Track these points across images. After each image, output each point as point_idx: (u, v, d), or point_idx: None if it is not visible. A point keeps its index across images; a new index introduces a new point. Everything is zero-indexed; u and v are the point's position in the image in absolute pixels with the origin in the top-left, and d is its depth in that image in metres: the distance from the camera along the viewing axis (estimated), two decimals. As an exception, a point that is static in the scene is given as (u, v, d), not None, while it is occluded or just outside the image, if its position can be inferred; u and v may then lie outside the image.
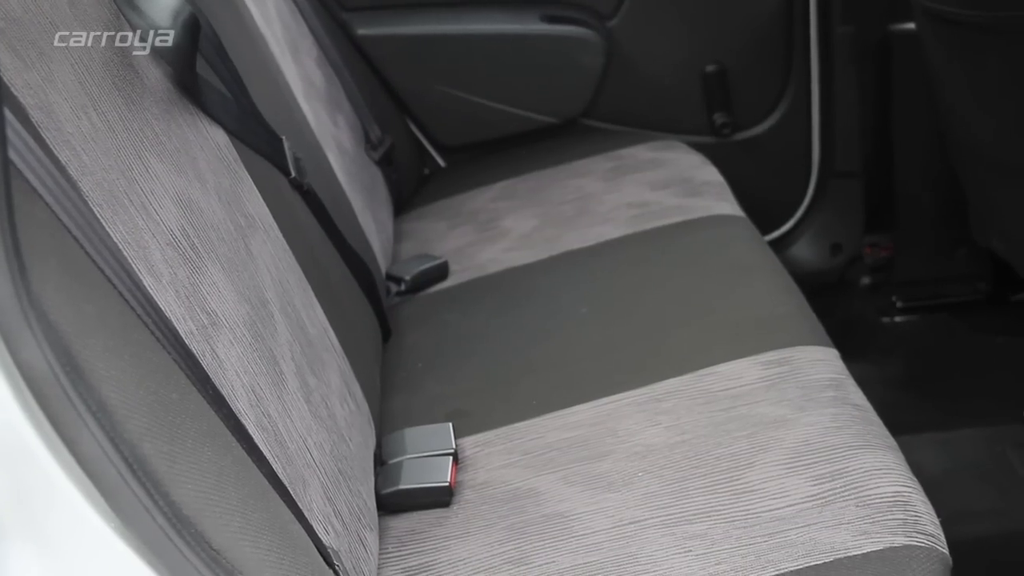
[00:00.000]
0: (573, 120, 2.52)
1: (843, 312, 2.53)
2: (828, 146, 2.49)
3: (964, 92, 2.05)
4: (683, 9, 2.43)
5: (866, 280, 2.55)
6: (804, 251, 2.55)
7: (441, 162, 2.55)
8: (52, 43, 1.07)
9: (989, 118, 2.00)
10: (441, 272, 2.01)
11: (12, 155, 0.88)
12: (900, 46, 2.35)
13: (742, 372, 1.51)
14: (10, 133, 0.88)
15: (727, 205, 2.05)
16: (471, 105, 2.48)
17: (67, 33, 1.10)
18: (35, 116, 0.98)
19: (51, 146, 0.98)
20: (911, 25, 2.25)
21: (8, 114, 0.89)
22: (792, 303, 1.71)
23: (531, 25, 2.46)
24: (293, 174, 1.56)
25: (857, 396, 1.46)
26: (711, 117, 2.50)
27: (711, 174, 2.19)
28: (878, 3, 2.34)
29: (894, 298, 2.54)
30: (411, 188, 2.40)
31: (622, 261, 1.90)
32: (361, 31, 2.40)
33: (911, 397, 2.27)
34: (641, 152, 2.31)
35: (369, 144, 2.21)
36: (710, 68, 2.46)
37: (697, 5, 2.43)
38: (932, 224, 2.49)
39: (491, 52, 2.46)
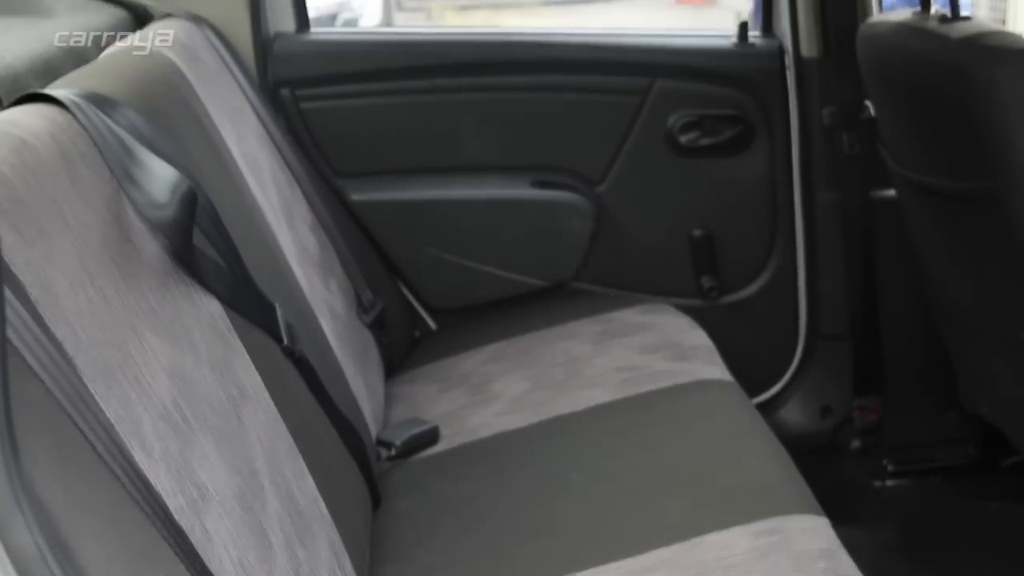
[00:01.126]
0: (563, 283, 2.55)
1: (834, 476, 2.52)
2: (814, 309, 2.52)
3: (946, 260, 2.08)
4: (669, 176, 2.49)
5: (856, 443, 2.55)
6: (793, 414, 2.55)
7: (432, 324, 2.56)
8: (53, 220, 1.09)
9: (972, 286, 2.03)
10: (431, 437, 2.00)
11: (10, 334, 0.89)
12: (882, 213, 2.40)
13: (733, 542, 1.50)
14: (9, 312, 0.90)
15: (716, 369, 2.06)
16: (462, 269, 2.52)
17: (68, 209, 1.13)
18: (34, 293, 0.99)
19: (48, 323, 0.99)
20: (892, 192, 2.31)
21: (8, 294, 0.91)
22: (782, 470, 1.71)
23: (521, 190, 2.51)
24: (285, 342, 1.57)
25: (849, 567, 1.45)
26: (699, 281, 2.53)
27: (699, 338, 2.21)
28: (859, 171, 2.39)
29: (885, 462, 2.53)
30: (402, 351, 2.41)
31: (612, 427, 1.91)
32: (354, 197, 2.44)
33: (904, 564, 2.25)
34: (630, 315, 2.33)
35: (361, 308, 2.23)
36: (697, 233, 2.51)
37: (683, 172, 2.49)
38: (920, 387, 2.51)
39: (482, 217, 2.51)
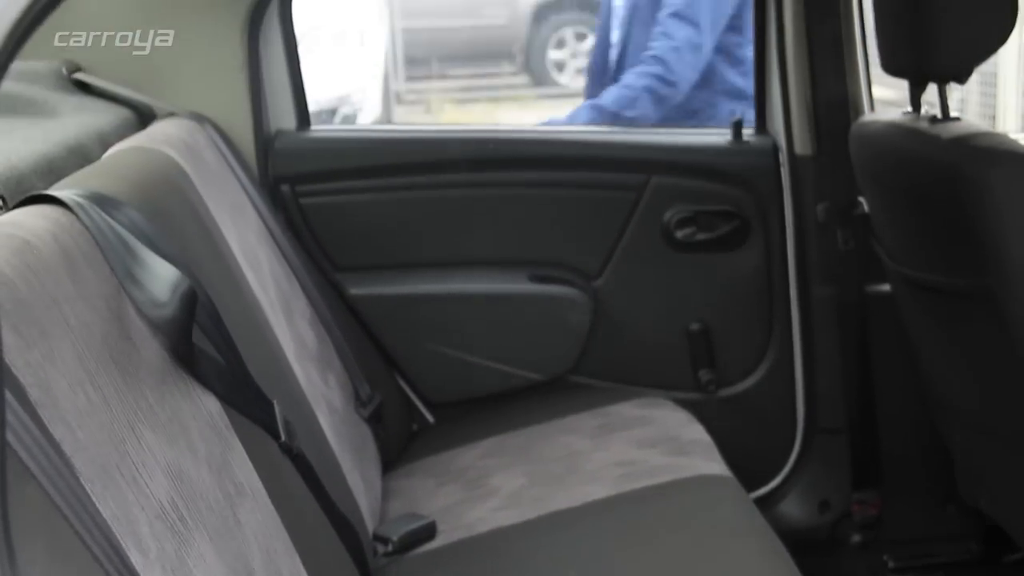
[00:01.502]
0: (561, 377, 2.56)
1: (833, 572, 2.50)
2: (812, 403, 2.52)
3: (943, 355, 2.09)
4: (666, 270, 2.51)
5: (856, 538, 2.53)
6: (792, 508, 2.54)
7: (430, 418, 2.56)
8: (54, 321, 1.10)
9: (970, 382, 2.03)
10: (429, 532, 1.99)
11: (9, 436, 0.90)
12: (878, 307, 2.41)
13: (732, 642, 1.49)
14: (9, 414, 0.90)
15: (714, 465, 2.06)
16: (460, 362, 2.52)
17: (69, 309, 1.14)
18: (33, 395, 1.00)
19: (47, 424, 1.00)
20: (887, 287, 2.32)
21: (8, 396, 0.92)
22: (781, 567, 1.70)
23: (519, 285, 2.53)
24: (283, 438, 1.57)
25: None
26: (696, 374, 2.54)
27: (697, 432, 2.21)
28: (854, 266, 2.41)
29: (885, 557, 2.51)
30: (399, 445, 2.41)
31: (610, 523, 1.90)
32: (353, 291, 2.46)
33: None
34: (628, 409, 2.34)
35: (359, 401, 2.23)
36: (694, 327, 2.52)
37: (679, 267, 2.51)
38: (919, 481, 2.50)
39: (480, 311, 2.52)
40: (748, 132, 2.51)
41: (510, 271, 2.54)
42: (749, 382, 2.54)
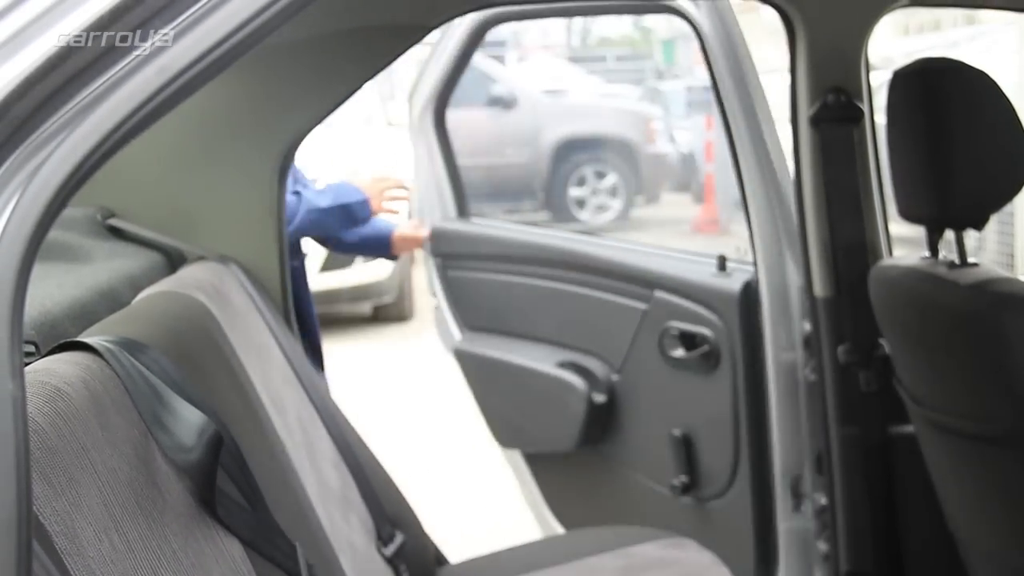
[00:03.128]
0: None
1: None
2: (837, 546, 2.49)
3: (970, 498, 2.07)
4: (657, 375, 2.86)
5: None
6: (822, 653, 2.50)
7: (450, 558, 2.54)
8: (83, 468, 1.11)
9: (997, 525, 2.01)
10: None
11: (35, 586, 0.91)
12: (902, 448, 2.40)
13: None
14: (35, 566, 0.91)
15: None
16: None
17: (97, 456, 1.15)
18: (59, 543, 1.01)
19: (73, 573, 1.00)
20: (911, 428, 2.32)
21: (35, 546, 0.92)
22: None
23: (549, 366, 3.04)
24: (306, 583, 1.56)
25: None
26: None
27: (722, 574, 2.19)
28: (876, 408, 2.41)
29: None
30: (423, 585, 2.39)
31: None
32: None
33: None
34: (651, 550, 2.31)
35: (380, 540, 2.22)
36: (676, 432, 2.80)
37: (666, 375, 2.82)
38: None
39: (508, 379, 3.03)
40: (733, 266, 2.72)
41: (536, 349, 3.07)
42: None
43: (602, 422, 2.94)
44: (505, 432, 3.22)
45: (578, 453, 3.01)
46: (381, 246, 3.09)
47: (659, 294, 2.79)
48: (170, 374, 1.40)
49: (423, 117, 3.33)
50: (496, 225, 3.40)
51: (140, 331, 1.46)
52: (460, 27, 3.12)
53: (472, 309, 3.27)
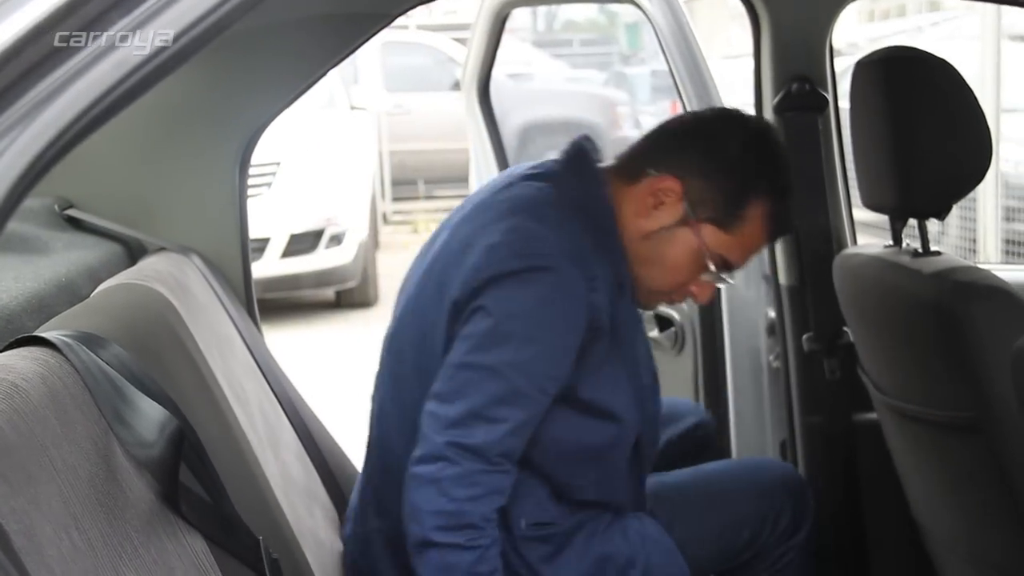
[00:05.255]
0: None
1: None
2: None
3: (932, 486, 2.09)
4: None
5: (846, 668, 2.50)
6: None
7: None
8: (41, 465, 1.10)
9: (959, 513, 2.03)
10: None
11: (-7, 587, 0.89)
12: (865, 436, 2.41)
13: None
14: None
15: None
16: None
17: (56, 453, 1.14)
18: (17, 542, 1.00)
19: (31, 573, 0.99)
20: (874, 416, 2.33)
21: (-7, 547, 0.91)
22: None
23: None
24: (268, 576, 1.56)
25: None
26: None
27: None
28: (841, 395, 2.42)
29: None
30: None
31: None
32: None
33: None
34: None
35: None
36: None
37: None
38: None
39: None
40: None
41: None
42: None
43: None
44: None
45: None
46: None
47: None
48: (130, 368, 1.38)
49: (470, 100, 3.40)
50: None
51: (99, 325, 1.44)
52: (481, 17, 3.20)
53: None
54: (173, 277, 1.81)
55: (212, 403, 1.65)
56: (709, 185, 1.74)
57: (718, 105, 2.57)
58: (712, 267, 1.77)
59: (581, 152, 1.80)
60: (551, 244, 1.64)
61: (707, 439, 2.26)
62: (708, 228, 1.75)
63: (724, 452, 2.68)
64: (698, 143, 1.78)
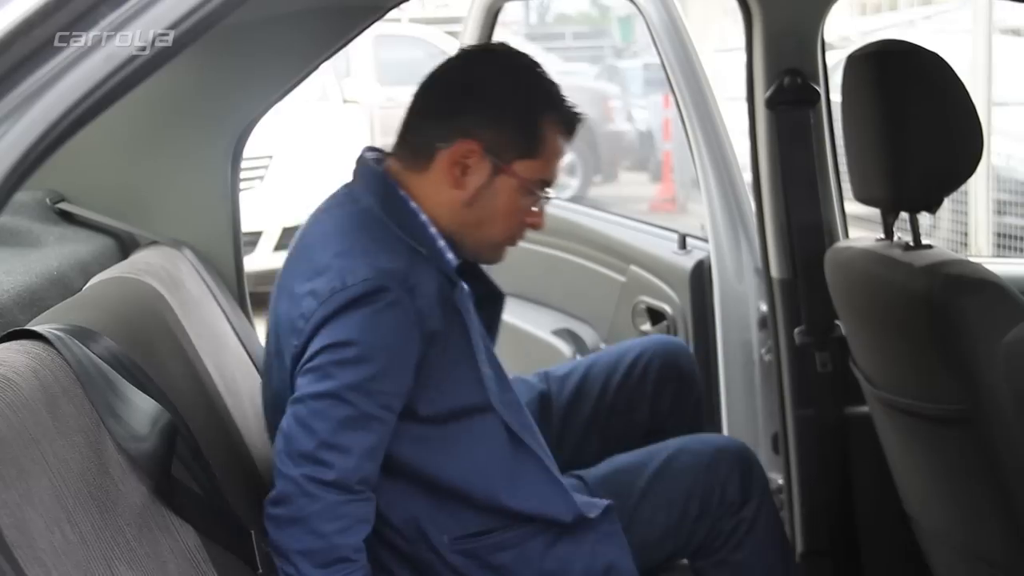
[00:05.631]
0: None
1: None
2: (794, 526, 2.51)
3: (923, 478, 2.09)
4: None
5: (840, 661, 2.51)
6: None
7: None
8: (33, 459, 1.10)
9: (950, 505, 2.03)
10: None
11: (-16, 581, 0.89)
12: (857, 429, 2.42)
13: None
14: None
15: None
16: None
17: (48, 447, 1.14)
18: (9, 536, 1.00)
19: (23, 566, 0.99)
20: (866, 408, 2.34)
21: (-15, 541, 0.91)
22: None
23: (542, 330, 3.21)
24: (260, 570, 1.56)
25: None
26: None
27: None
28: (832, 388, 2.42)
29: None
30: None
31: None
32: None
33: None
34: None
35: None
36: None
37: None
38: (901, 604, 2.48)
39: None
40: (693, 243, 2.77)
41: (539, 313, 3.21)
42: None
43: None
44: None
45: None
46: None
47: (633, 268, 2.88)
48: (122, 362, 1.38)
49: None
50: None
51: (91, 318, 1.44)
52: (473, 10, 3.21)
53: (501, 274, 3.35)
54: (165, 271, 1.81)
55: (204, 396, 1.66)
56: (499, 129, 1.76)
57: (711, 99, 2.59)
58: (537, 193, 1.80)
59: (366, 167, 1.80)
60: (364, 270, 1.64)
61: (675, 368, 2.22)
62: (518, 164, 1.76)
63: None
64: (466, 99, 1.78)
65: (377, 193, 1.76)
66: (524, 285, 3.37)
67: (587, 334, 3.10)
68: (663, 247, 2.84)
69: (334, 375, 1.61)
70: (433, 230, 1.76)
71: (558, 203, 3.60)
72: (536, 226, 1.85)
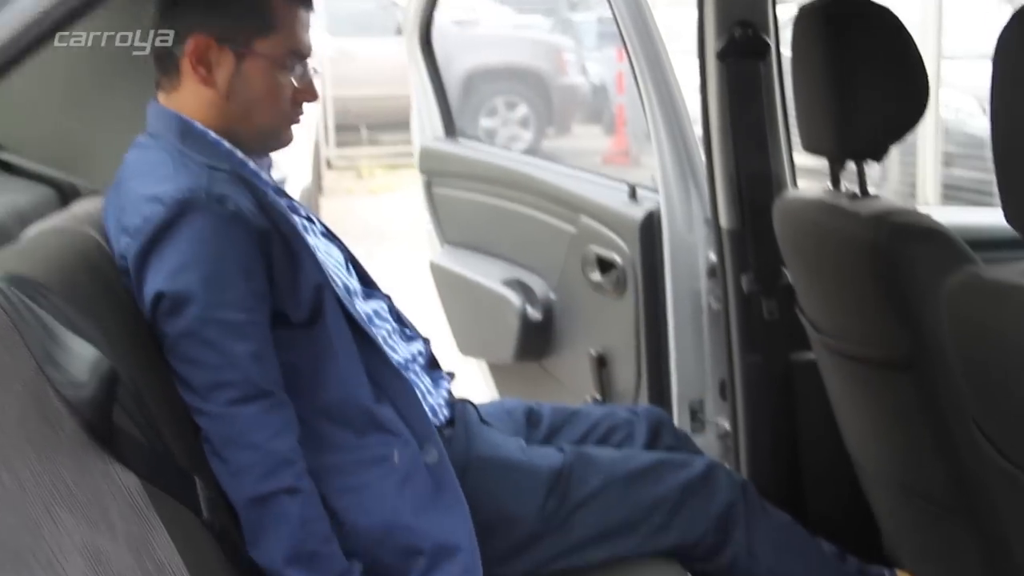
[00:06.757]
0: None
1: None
2: (740, 469, 2.54)
3: (867, 422, 2.12)
4: (581, 296, 2.96)
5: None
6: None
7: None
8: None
9: (892, 447, 2.07)
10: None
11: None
12: (803, 375, 2.45)
13: None
14: None
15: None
16: None
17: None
18: (-55, 482, 0.98)
19: None
20: (812, 355, 2.36)
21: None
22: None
23: (494, 281, 3.22)
24: (205, 515, 1.55)
25: None
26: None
27: None
28: (779, 335, 2.45)
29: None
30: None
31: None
32: None
33: None
34: None
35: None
36: (592, 352, 2.87)
37: (588, 296, 2.89)
38: (846, 542, 2.51)
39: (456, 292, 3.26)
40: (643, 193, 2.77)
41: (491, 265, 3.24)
42: None
43: (538, 338, 3.09)
44: (463, 341, 3.47)
45: (526, 365, 3.20)
46: None
47: (584, 219, 2.90)
48: (62, 310, 1.37)
49: (412, 46, 3.49)
50: (475, 147, 3.57)
51: (30, 267, 1.42)
52: None
53: (452, 225, 3.49)
54: (102, 219, 1.78)
55: (144, 346, 1.64)
56: (223, 14, 1.75)
57: (662, 51, 2.58)
58: (291, 65, 1.79)
59: (150, 107, 1.80)
60: (168, 195, 1.63)
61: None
62: (259, 44, 1.76)
63: (666, 395, 2.70)
64: None
65: (160, 124, 1.76)
66: (474, 236, 3.37)
67: (537, 284, 3.11)
68: (613, 198, 2.84)
69: (183, 307, 1.61)
70: (213, 136, 1.75)
71: (508, 155, 3.61)
72: (309, 98, 1.84)
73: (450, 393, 2.01)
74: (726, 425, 2.62)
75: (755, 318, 2.46)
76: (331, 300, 1.75)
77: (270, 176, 1.86)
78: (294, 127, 1.84)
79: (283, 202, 1.84)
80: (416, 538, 1.75)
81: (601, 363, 2.90)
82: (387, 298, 1.99)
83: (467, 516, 1.78)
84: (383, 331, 1.91)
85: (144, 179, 1.69)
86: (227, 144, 1.76)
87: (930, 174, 6.00)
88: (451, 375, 2.04)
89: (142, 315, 1.65)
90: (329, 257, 1.88)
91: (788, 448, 2.52)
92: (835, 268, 1.95)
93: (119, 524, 1.28)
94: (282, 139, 1.86)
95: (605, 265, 2.82)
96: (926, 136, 5.91)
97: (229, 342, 1.62)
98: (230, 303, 1.63)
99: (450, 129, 3.57)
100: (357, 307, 1.83)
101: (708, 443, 2.69)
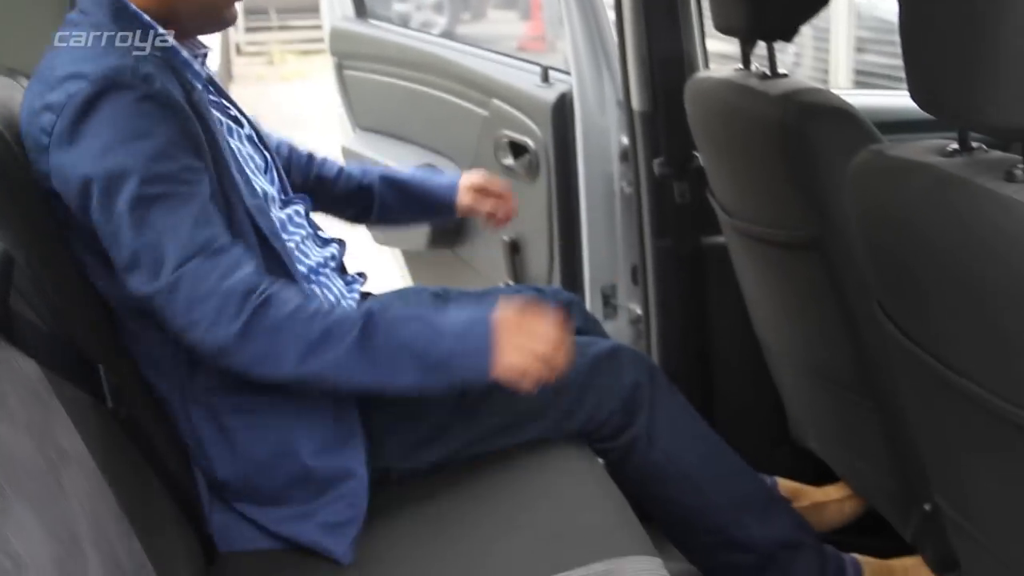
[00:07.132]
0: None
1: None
2: (651, 353, 2.57)
3: (775, 304, 2.15)
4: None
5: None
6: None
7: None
8: None
9: (799, 329, 2.10)
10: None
11: None
12: (713, 258, 2.47)
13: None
14: None
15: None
16: None
17: None
18: None
19: None
20: (722, 239, 2.38)
21: None
22: (616, 510, 1.73)
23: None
24: (110, 403, 1.53)
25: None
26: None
27: None
28: (690, 219, 2.46)
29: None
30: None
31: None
32: None
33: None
34: None
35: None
36: (505, 238, 2.92)
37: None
38: (753, 424, 2.57)
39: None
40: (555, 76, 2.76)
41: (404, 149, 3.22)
42: None
43: (450, 224, 3.07)
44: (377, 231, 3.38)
45: (440, 253, 3.21)
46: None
47: (495, 102, 2.87)
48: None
49: None
50: (386, 28, 3.48)
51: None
52: None
53: (364, 109, 3.44)
54: (1, 102, 1.72)
55: (45, 232, 1.59)
56: None
57: None
58: None
59: None
60: (92, 73, 1.57)
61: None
62: None
63: (578, 279, 2.72)
64: None
65: (90, 1, 1.69)
66: (386, 120, 3.33)
67: (450, 169, 3.08)
68: (525, 80, 2.81)
69: (117, 185, 1.54)
70: (147, 18, 1.69)
71: (421, 36, 3.54)
72: None
73: (362, 295, 1.99)
74: (638, 310, 2.65)
75: (666, 202, 2.47)
76: (241, 213, 1.71)
77: (206, 67, 1.78)
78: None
79: (212, 99, 1.78)
80: (309, 468, 1.74)
81: (514, 249, 2.91)
82: (304, 200, 1.95)
83: (362, 448, 1.78)
84: (296, 236, 1.87)
85: (69, 55, 1.63)
86: (160, 29, 1.69)
87: (843, 59, 6.02)
88: (363, 275, 2.01)
89: (45, 201, 1.60)
90: (250, 160, 1.83)
91: (697, 332, 2.55)
92: (744, 148, 1.95)
93: (19, 411, 1.26)
94: (225, 17, 1.78)
95: (518, 149, 2.81)
96: (839, 20, 5.91)
97: (163, 214, 1.55)
98: (166, 177, 1.56)
99: (360, 10, 3.50)
100: (272, 215, 1.79)
101: (620, 328, 2.72)
